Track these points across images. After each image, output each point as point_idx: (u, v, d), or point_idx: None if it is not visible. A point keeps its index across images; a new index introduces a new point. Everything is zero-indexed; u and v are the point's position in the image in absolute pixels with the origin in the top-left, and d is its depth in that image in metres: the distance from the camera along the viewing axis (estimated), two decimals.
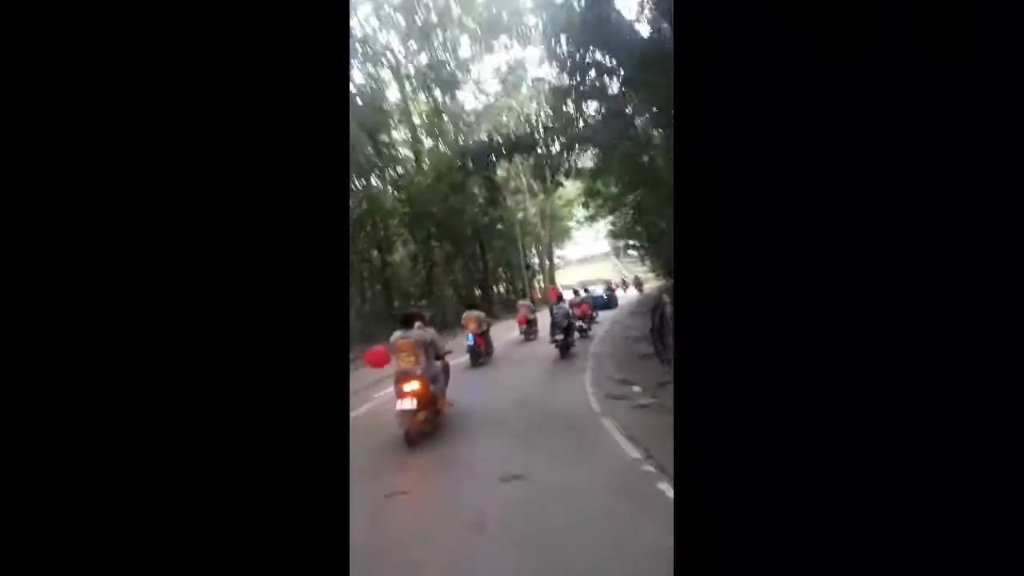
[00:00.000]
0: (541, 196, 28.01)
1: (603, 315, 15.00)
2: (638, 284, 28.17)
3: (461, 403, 5.54)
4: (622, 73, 8.85)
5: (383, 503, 3.37)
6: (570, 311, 9.19)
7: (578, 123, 11.04)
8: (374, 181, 17.64)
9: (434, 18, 18.97)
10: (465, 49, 20.15)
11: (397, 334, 4.60)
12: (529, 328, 11.53)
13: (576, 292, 11.41)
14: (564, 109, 11.22)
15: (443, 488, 3.73)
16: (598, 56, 9.05)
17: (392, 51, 18.94)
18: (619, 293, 23.86)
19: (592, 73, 9.49)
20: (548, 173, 9.80)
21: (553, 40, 9.20)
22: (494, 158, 10.87)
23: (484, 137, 10.58)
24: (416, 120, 19.74)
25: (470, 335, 8.51)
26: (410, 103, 19.61)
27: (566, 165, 11.63)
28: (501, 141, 10.86)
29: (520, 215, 26.62)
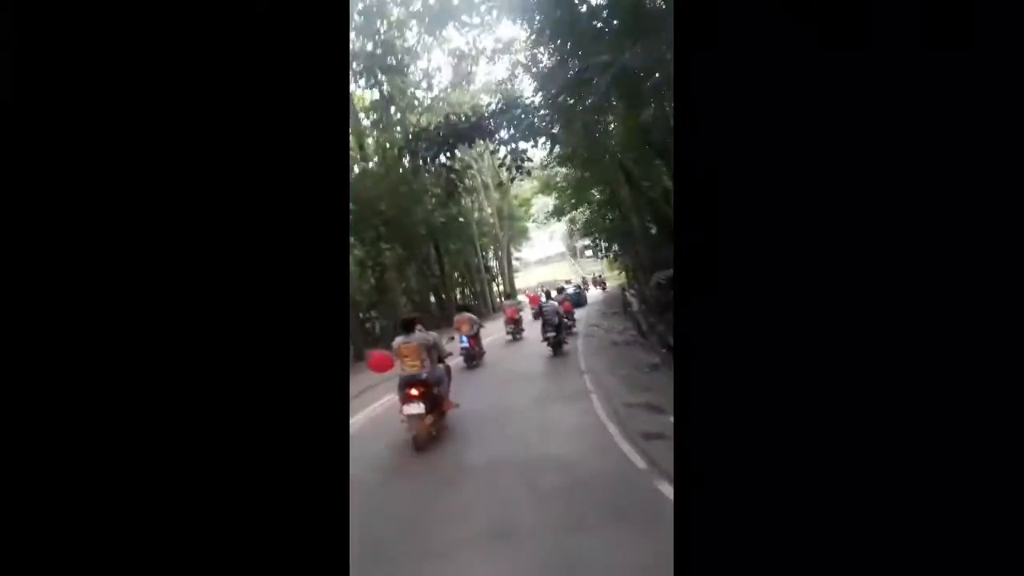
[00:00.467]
0: (497, 195, 26.83)
1: (576, 314, 13.94)
2: (601, 283, 28.07)
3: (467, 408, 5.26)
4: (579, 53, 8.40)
5: None
6: (560, 309, 9.12)
7: (536, 111, 10.08)
8: None
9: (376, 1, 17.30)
10: (413, 35, 18.56)
11: (399, 339, 4.57)
12: (516, 327, 11.61)
13: (548, 294, 11.16)
14: (520, 93, 10.19)
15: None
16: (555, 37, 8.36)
17: None
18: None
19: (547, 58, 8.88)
20: (508, 159, 8.57)
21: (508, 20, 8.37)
22: (450, 140, 9.57)
23: (439, 123, 9.25)
24: (361, 114, 17.96)
25: (463, 337, 8.32)
26: (353, 92, 17.84)
27: (527, 148, 10.60)
28: (457, 121, 9.60)
29: (476, 215, 25.23)
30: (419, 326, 4.72)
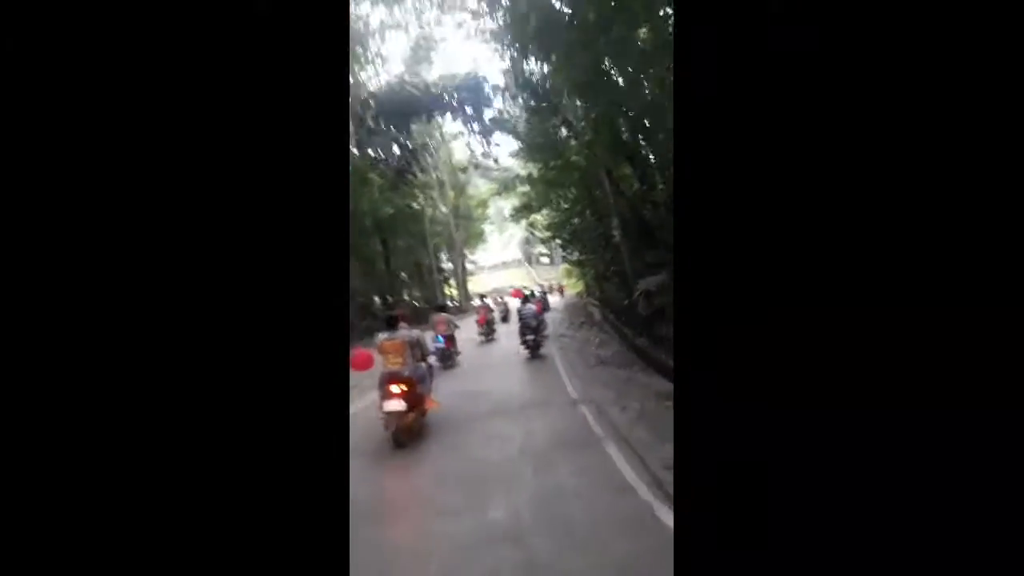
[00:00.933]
0: (452, 193, 25.10)
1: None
2: (560, 289, 27.50)
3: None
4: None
5: None
6: (536, 312, 8.80)
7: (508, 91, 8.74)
8: None
9: None
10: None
11: (382, 335, 4.58)
12: (489, 328, 11.69)
13: (526, 297, 10.49)
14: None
15: None
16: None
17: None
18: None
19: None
20: (469, 129, 7.07)
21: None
22: (406, 112, 7.94)
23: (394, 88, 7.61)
24: None
25: (440, 337, 8.16)
26: None
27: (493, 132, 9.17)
28: (416, 90, 8.02)
29: (430, 211, 23.38)
30: (403, 323, 4.70)
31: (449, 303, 23.97)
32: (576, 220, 15.42)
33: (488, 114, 8.77)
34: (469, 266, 32.15)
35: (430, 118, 8.82)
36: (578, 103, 9.35)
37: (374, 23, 14.53)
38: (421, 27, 14.83)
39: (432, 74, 14.47)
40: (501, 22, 8.51)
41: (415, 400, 4.38)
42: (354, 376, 3.93)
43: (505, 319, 14.44)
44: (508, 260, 46.79)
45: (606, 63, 8.03)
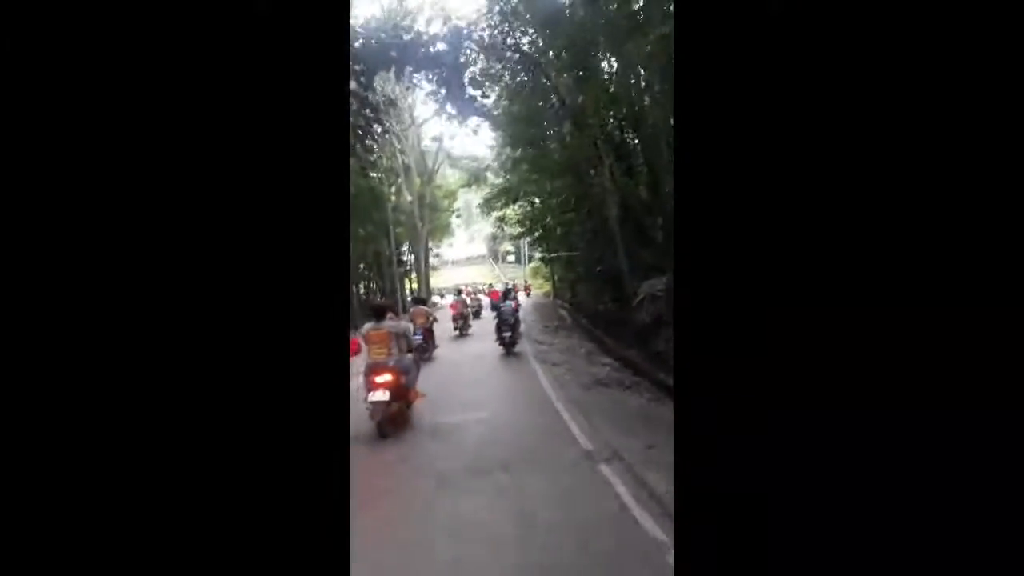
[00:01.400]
0: (419, 181, 23.39)
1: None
2: (526, 288, 26.59)
3: None
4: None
5: None
6: (515, 310, 8.71)
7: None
8: None
9: None
10: None
11: (368, 325, 4.50)
12: (464, 323, 11.73)
13: (506, 294, 9.75)
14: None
15: None
16: None
17: None
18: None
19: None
20: (445, 94, 5.85)
21: None
22: (370, 63, 6.42)
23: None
24: None
25: (418, 330, 7.85)
26: None
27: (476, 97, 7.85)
28: (389, 39, 6.54)
29: (393, 199, 21.61)
30: (390, 314, 4.78)
31: (410, 297, 22.32)
32: (556, 213, 14.20)
33: (468, 74, 7.42)
34: (433, 260, 30.40)
35: (400, 74, 7.33)
36: (565, 76, 8.30)
37: None
38: None
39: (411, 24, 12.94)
40: None
41: (400, 391, 4.32)
42: None
43: (477, 315, 14.60)
44: (473, 256, 45.35)
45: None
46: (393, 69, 6.93)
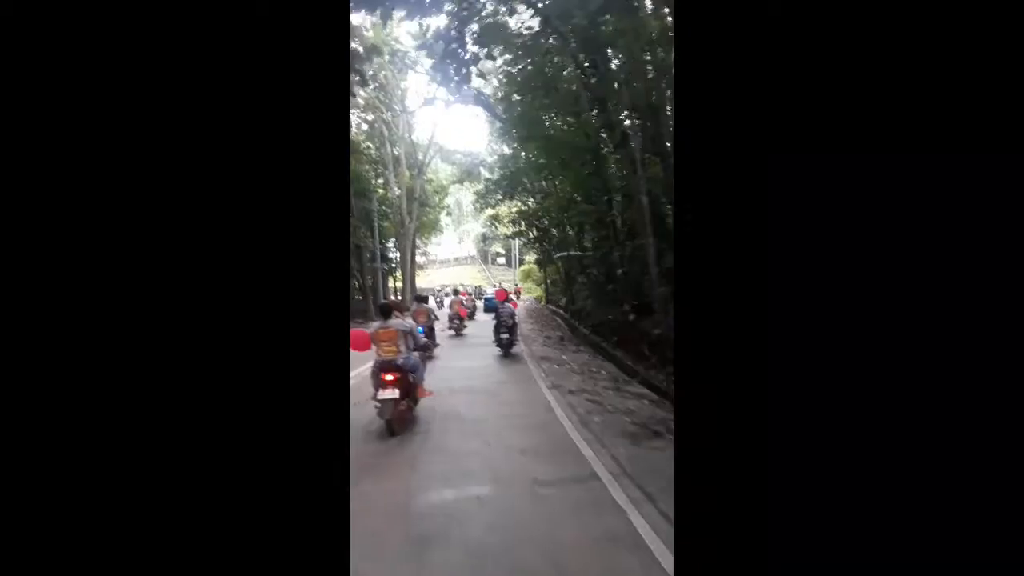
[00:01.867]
0: (409, 174, 21.92)
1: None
2: (517, 292, 25.43)
3: None
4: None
5: None
6: (513, 311, 8.74)
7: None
8: None
9: None
10: None
11: (376, 324, 4.59)
12: (461, 323, 11.90)
13: (507, 296, 9.56)
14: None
15: None
16: None
17: None
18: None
19: None
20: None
21: None
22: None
23: None
24: None
25: (420, 328, 7.35)
26: None
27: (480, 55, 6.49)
28: None
29: (380, 191, 20.11)
30: (396, 312, 4.69)
31: (393, 297, 20.76)
32: (560, 208, 12.85)
33: (475, 26, 6.05)
34: (420, 259, 28.88)
35: (387, 16, 5.92)
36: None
37: None
38: None
39: None
40: None
41: (408, 389, 4.41)
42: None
43: (472, 316, 14.39)
44: (461, 256, 43.91)
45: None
46: (379, 12, 5.56)
